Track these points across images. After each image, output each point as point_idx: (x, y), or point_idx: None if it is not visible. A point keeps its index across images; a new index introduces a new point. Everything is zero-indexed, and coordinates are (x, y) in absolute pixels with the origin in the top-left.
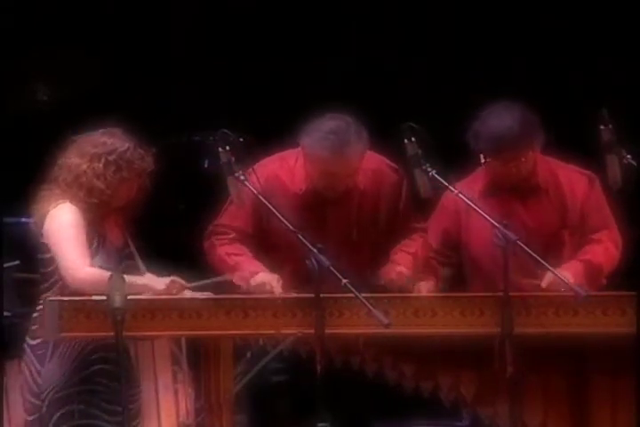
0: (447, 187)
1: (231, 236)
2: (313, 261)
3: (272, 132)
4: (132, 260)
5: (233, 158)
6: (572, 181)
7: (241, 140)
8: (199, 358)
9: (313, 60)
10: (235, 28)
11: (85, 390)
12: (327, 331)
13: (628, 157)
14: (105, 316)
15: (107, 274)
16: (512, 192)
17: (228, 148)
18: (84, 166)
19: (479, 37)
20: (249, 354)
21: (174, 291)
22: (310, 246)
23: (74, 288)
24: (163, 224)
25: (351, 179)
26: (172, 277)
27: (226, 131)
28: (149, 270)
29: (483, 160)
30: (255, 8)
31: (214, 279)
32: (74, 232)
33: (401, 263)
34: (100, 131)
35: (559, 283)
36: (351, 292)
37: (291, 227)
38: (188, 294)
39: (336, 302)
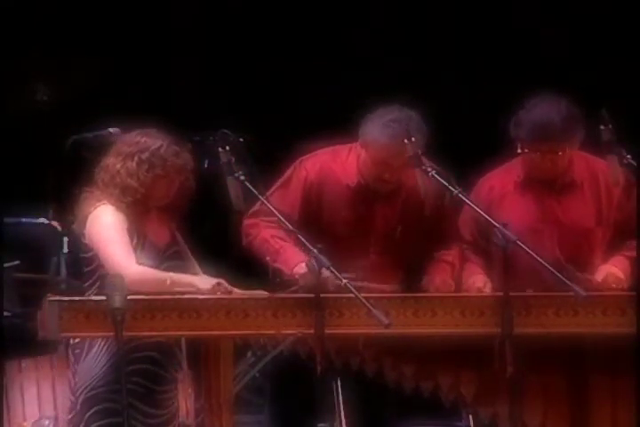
0: (447, 187)
1: (275, 219)
2: (313, 261)
3: (272, 132)
4: (178, 260)
5: (233, 158)
6: (609, 177)
7: (241, 140)
8: (199, 359)
9: (313, 59)
10: (235, 28)
11: (120, 389)
12: (327, 331)
13: (628, 157)
14: (105, 316)
15: (156, 272)
16: (548, 187)
17: (227, 148)
18: (119, 166)
19: (479, 37)
20: (249, 354)
21: (219, 292)
22: (310, 247)
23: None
24: None
25: (404, 173)
26: (219, 280)
27: (226, 131)
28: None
29: (519, 151)
30: (255, 8)
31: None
32: (117, 233)
33: (441, 273)
34: (136, 130)
35: (613, 278)
36: (351, 292)
37: (290, 227)
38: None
39: (336, 303)
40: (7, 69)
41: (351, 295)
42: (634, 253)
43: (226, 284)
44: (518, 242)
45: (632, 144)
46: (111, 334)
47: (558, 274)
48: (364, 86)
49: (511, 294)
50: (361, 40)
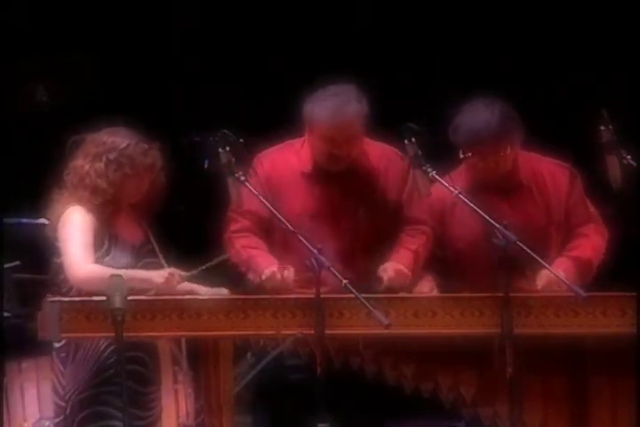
0: (447, 187)
1: (247, 224)
2: (313, 261)
3: (272, 132)
4: (152, 257)
5: (233, 159)
6: (555, 175)
7: (241, 140)
8: (199, 359)
9: (313, 59)
10: (235, 28)
11: (107, 392)
12: (327, 331)
13: (628, 157)
14: (105, 316)
15: (109, 269)
16: (496, 190)
17: (228, 148)
18: (87, 167)
19: (479, 37)
20: (249, 355)
21: (175, 282)
22: (310, 247)
23: (77, 287)
24: (162, 225)
25: (353, 148)
26: (170, 269)
27: (226, 131)
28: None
29: (462, 155)
30: (255, 7)
31: (208, 264)
32: (79, 233)
33: (401, 261)
34: (104, 130)
35: (555, 283)
36: (351, 292)
37: (290, 227)
38: (186, 285)
39: (336, 303)
40: (6, 70)
41: (351, 296)
42: (576, 253)
43: (178, 271)
44: (518, 242)
45: (632, 144)
46: (111, 334)
47: (559, 275)
48: (365, 87)
49: (511, 294)
50: (363, 40)
